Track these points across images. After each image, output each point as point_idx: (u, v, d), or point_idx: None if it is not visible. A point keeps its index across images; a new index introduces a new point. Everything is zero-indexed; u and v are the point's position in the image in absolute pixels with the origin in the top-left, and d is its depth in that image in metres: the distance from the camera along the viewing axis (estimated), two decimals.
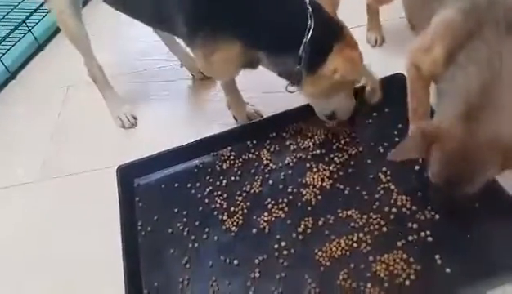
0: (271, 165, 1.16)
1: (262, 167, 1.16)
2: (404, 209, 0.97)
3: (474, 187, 0.80)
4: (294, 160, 1.15)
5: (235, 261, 0.98)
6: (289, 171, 1.13)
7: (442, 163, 0.80)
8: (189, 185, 1.16)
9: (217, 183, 1.15)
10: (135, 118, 1.45)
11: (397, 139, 1.10)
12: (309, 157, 1.15)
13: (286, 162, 1.15)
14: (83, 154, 1.37)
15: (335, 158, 1.12)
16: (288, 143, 1.20)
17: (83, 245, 1.13)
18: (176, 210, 1.11)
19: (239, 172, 1.16)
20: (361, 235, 0.95)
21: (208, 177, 1.17)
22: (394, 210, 0.98)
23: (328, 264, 0.93)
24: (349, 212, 0.99)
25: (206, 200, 1.12)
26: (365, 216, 0.98)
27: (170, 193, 1.17)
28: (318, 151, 1.15)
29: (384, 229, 0.95)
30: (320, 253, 0.94)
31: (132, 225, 1.10)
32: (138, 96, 1.53)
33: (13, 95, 1.70)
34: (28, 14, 1.82)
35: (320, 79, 0.99)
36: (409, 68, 0.94)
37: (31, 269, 1.12)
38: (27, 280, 1.10)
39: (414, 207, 0.97)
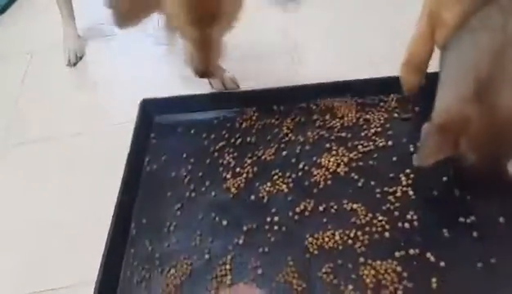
0: (290, 135, 1.09)
1: (280, 135, 1.10)
2: (415, 221, 0.88)
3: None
4: (316, 137, 1.08)
5: (224, 222, 0.95)
6: (307, 147, 1.06)
7: (481, 151, 0.74)
8: (204, 135, 1.13)
9: (232, 140, 1.11)
10: (80, 57, 1.47)
11: None
12: (332, 137, 1.07)
13: (307, 136, 1.08)
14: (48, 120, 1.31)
15: (359, 146, 1.03)
16: (315, 117, 1.12)
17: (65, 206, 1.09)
18: (185, 155, 1.10)
19: (256, 135, 1.11)
20: (359, 233, 0.88)
21: (224, 132, 1.13)
22: (404, 217, 0.88)
23: (316, 252, 0.87)
24: (355, 206, 0.92)
25: (216, 154, 1.09)
26: (370, 215, 0.90)
27: (184, 137, 1.15)
28: (344, 134, 1.07)
29: (387, 234, 0.87)
30: (310, 239, 0.89)
31: (139, 159, 1.10)
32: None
33: None
34: None
35: None
36: (427, 13, 0.87)
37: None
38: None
39: (427, 221, 0.87)
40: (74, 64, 1.47)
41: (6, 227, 1.07)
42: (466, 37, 0.77)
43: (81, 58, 1.49)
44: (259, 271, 0.86)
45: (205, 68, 0.93)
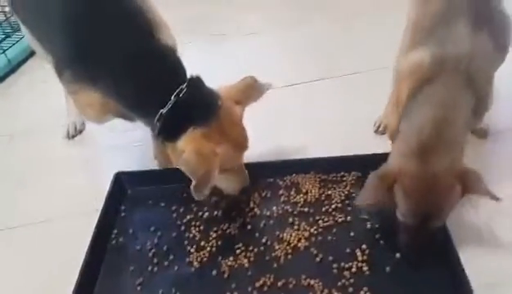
0: (256, 210, 1.13)
1: (247, 209, 1.14)
2: None
3: (443, 216, 0.87)
4: (280, 212, 1.12)
5: None
6: (271, 222, 1.10)
7: (409, 200, 0.85)
8: (173, 208, 1.17)
9: (200, 213, 1.14)
10: (80, 131, 1.52)
11: (390, 218, 1.02)
12: (295, 212, 1.11)
13: (272, 211, 1.12)
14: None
15: (320, 221, 1.07)
16: (281, 192, 1.17)
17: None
18: (152, 229, 1.12)
19: (223, 209, 1.15)
20: None
21: (193, 205, 1.17)
22: None
23: None
24: (312, 282, 0.93)
25: (183, 228, 1.12)
26: (326, 291, 0.91)
27: (154, 210, 1.18)
28: (306, 209, 1.11)
29: None
30: None
31: (106, 231, 1.12)
32: None
33: None
34: None
35: (175, 150, 0.95)
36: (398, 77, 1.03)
37: None
38: None
39: None
40: (73, 137, 1.52)
41: None
42: (414, 110, 0.91)
43: (81, 132, 1.54)
44: None
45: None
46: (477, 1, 0.98)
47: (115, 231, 1.13)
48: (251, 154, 1.24)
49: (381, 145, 1.17)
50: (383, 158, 1.03)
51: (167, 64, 0.97)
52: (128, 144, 1.42)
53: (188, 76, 0.97)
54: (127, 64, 0.94)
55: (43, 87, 1.78)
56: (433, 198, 0.83)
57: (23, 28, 1.34)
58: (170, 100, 0.92)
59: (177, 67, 0.98)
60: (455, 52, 0.91)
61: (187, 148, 0.91)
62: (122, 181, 1.24)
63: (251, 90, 1.04)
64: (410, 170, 0.84)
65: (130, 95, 0.97)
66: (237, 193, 1.09)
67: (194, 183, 0.88)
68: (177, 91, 0.93)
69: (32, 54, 1.94)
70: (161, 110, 0.93)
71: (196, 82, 0.96)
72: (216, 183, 0.95)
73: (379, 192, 0.87)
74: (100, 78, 0.97)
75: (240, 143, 1.00)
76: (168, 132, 0.95)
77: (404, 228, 0.90)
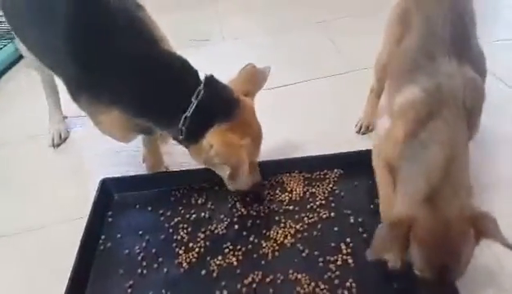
0: (242, 210, 1.15)
1: (233, 210, 1.16)
2: (354, 288, 0.92)
3: (461, 266, 0.77)
4: (266, 211, 1.14)
5: None
6: (258, 221, 1.12)
7: (424, 252, 0.77)
8: (161, 212, 1.18)
9: (187, 216, 1.16)
10: (64, 139, 1.52)
11: (372, 212, 1.06)
12: (281, 210, 1.14)
13: (258, 210, 1.14)
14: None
15: (305, 218, 1.10)
16: (266, 192, 1.19)
17: None
18: (140, 233, 1.13)
19: (210, 210, 1.16)
20: None
21: (180, 208, 1.18)
22: (344, 285, 0.93)
23: None
24: (299, 276, 0.96)
25: (171, 230, 1.13)
26: (313, 284, 0.94)
27: (142, 214, 1.19)
28: (291, 207, 1.14)
29: None
30: None
31: (94, 237, 1.12)
32: None
33: None
34: None
35: (200, 150, 0.98)
36: (375, 161, 0.97)
37: None
38: None
39: (364, 288, 0.92)
40: (58, 145, 1.51)
41: None
42: (419, 150, 0.85)
43: (65, 139, 1.53)
44: None
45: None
46: (459, 37, 0.98)
47: (103, 237, 1.13)
48: None
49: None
50: (364, 155, 1.08)
51: (180, 69, 0.99)
52: (113, 149, 1.43)
53: (202, 76, 0.99)
54: (143, 77, 0.95)
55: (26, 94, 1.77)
56: (448, 246, 0.75)
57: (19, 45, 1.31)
58: (191, 102, 0.95)
59: (189, 70, 1.00)
60: (449, 84, 0.88)
61: (216, 141, 0.94)
62: (108, 187, 1.24)
63: (255, 78, 1.07)
64: (422, 218, 0.76)
65: (151, 108, 0.98)
66: (249, 188, 1.10)
67: (229, 172, 0.93)
68: (196, 92, 0.95)
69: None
70: (185, 114, 0.95)
71: (212, 80, 0.99)
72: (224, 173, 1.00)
73: (392, 242, 0.79)
74: (118, 97, 0.97)
75: (259, 136, 1.04)
76: (193, 134, 0.97)
77: (423, 284, 0.80)
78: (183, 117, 0.95)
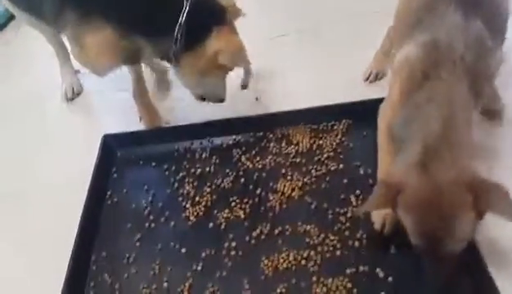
0: (248, 163, 1.13)
1: (239, 163, 1.14)
2: (364, 239, 0.92)
3: (458, 240, 0.70)
4: (272, 164, 1.12)
5: (183, 250, 0.97)
6: (264, 174, 1.10)
7: (413, 219, 0.72)
8: (165, 167, 1.17)
9: (192, 170, 1.14)
10: (77, 94, 1.49)
11: None
12: (288, 163, 1.11)
13: (264, 163, 1.12)
14: None
15: (313, 171, 1.08)
16: (272, 145, 1.17)
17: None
18: (146, 187, 1.12)
19: (215, 164, 1.15)
20: (312, 253, 0.91)
21: (185, 163, 1.17)
22: (354, 236, 0.93)
23: (270, 274, 0.90)
24: (308, 227, 0.96)
25: (176, 185, 1.12)
26: (322, 235, 0.94)
27: (146, 170, 1.18)
28: (298, 159, 1.12)
29: (338, 252, 0.91)
30: (266, 261, 0.91)
31: (100, 192, 1.11)
32: None
33: None
34: None
35: (197, 59, 1.00)
36: (378, 124, 0.93)
37: None
38: None
39: (375, 239, 0.91)
40: (72, 100, 1.49)
41: None
42: (413, 111, 0.79)
43: (78, 94, 1.50)
44: None
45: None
46: None
47: (109, 192, 1.13)
48: (238, 110, 1.24)
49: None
50: (373, 104, 1.03)
51: None
52: (116, 106, 1.39)
53: None
54: None
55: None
56: (438, 214, 0.69)
57: None
58: (184, 7, 0.94)
59: None
60: (447, 39, 0.81)
61: (224, 45, 0.98)
62: (110, 144, 1.22)
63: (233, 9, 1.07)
64: (411, 182, 0.71)
65: (145, 21, 0.96)
66: (216, 102, 1.14)
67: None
68: None
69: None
70: (179, 20, 0.94)
71: None
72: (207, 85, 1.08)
73: (380, 201, 0.76)
74: (111, 13, 0.94)
75: (242, 43, 1.05)
76: (191, 40, 0.97)
77: (418, 252, 0.75)
78: (178, 23, 0.95)
